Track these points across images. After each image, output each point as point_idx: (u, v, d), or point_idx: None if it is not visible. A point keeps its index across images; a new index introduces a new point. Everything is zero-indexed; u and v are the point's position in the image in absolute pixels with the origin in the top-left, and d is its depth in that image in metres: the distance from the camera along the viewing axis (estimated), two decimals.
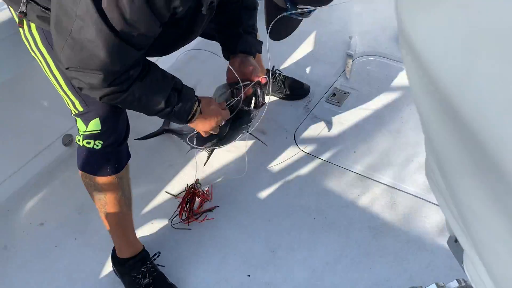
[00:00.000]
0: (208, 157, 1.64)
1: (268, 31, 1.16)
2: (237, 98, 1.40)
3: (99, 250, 1.61)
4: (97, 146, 1.22)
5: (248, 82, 1.43)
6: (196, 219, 1.65)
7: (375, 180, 1.71)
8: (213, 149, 1.62)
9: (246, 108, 1.43)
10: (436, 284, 0.87)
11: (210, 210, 1.67)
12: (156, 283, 1.44)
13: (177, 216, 1.65)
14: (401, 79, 2.10)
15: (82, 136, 1.23)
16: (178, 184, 1.76)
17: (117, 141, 1.24)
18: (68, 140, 1.93)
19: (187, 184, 1.69)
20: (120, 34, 0.94)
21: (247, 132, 1.56)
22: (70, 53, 0.97)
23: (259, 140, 1.73)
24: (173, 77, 1.15)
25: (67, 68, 1.00)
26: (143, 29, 0.95)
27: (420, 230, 1.55)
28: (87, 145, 1.23)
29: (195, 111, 1.21)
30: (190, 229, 1.63)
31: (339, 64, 2.21)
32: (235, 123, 1.49)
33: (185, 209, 1.65)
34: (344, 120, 1.95)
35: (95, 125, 1.19)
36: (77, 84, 1.04)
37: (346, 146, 1.85)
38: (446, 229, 0.84)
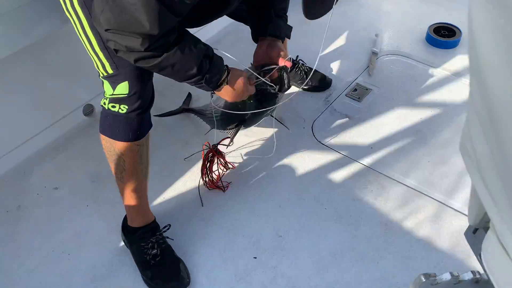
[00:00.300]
0: (232, 139, 1.64)
1: (304, 8, 1.16)
2: (263, 79, 1.41)
3: (110, 219, 1.62)
4: (122, 110, 1.23)
5: (274, 66, 1.44)
6: (216, 186, 1.66)
7: (390, 177, 1.71)
8: (237, 131, 1.62)
9: (272, 90, 1.44)
10: (451, 273, 0.86)
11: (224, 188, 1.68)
12: (164, 255, 1.45)
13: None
14: (424, 80, 2.09)
15: (108, 99, 1.24)
16: (194, 161, 1.77)
17: (142, 108, 1.25)
18: (89, 110, 1.95)
19: (208, 144, 1.66)
20: None
21: (271, 115, 1.56)
22: (110, 15, 0.99)
23: (282, 124, 1.73)
24: (205, 44, 1.16)
25: (106, 30, 1.01)
26: None
27: (430, 231, 1.54)
28: (112, 109, 1.24)
29: (223, 80, 1.23)
30: (202, 205, 1.64)
31: (362, 60, 2.20)
32: (259, 106, 1.49)
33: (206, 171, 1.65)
34: (364, 115, 1.95)
35: (123, 88, 1.20)
36: (114, 46, 1.05)
37: (363, 142, 1.84)
38: (468, 218, 0.84)
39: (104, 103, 1.26)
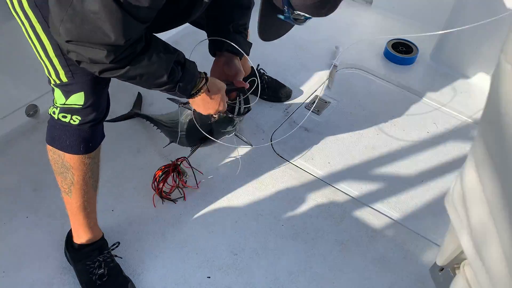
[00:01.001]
0: (191, 153, 1.58)
1: (259, 29, 1.11)
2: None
3: (52, 232, 1.50)
4: (74, 122, 1.13)
5: (232, 86, 1.38)
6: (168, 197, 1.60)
7: (347, 194, 1.70)
8: (197, 147, 1.55)
9: (230, 115, 1.38)
10: None
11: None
12: (111, 275, 1.36)
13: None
14: (381, 96, 2.11)
15: (58, 108, 1.13)
16: (146, 170, 1.68)
17: (96, 120, 1.15)
18: (32, 110, 1.81)
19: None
20: (124, 6, 0.87)
21: (233, 134, 1.51)
22: (70, 25, 0.89)
23: (244, 141, 1.66)
24: (175, 49, 1.08)
25: (67, 41, 0.92)
26: (148, 2, 0.89)
27: (386, 250, 1.55)
28: (63, 119, 1.13)
29: (201, 87, 1.16)
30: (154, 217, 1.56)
31: (322, 72, 2.19)
32: (218, 128, 1.44)
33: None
34: (322, 129, 1.93)
35: (77, 99, 1.10)
36: (76, 58, 0.96)
37: (321, 156, 1.83)
38: (438, 258, 0.83)
39: (54, 112, 1.15)
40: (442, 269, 0.87)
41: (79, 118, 1.12)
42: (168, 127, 1.65)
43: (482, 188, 0.56)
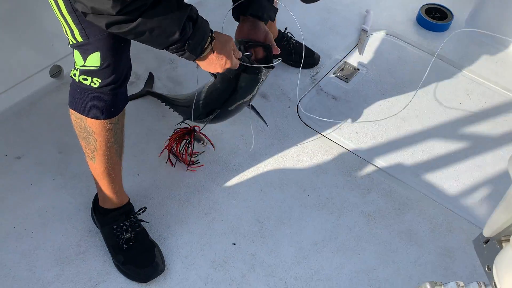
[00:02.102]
0: (206, 123, 1.52)
1: None
2: (248, 54, 1.29)
3: (78, 195, 1.51)
4: (94, 84, 1.09)
5: (260, 42, 1.32)
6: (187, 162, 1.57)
7: (375, 165, 1.66)
8: (212, 117, 1.48)
9: (257, 65, 1.30)
10: (456, 283, 0.83)
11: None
12: (138, 239, 1.37)
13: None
14: (412, 64, 2.03)
15: (78, 70, 1.09)
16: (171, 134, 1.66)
17: (116, 82, 1.11)
18: (56, 71, 1.78)
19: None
20: None
21: (249, 104, 1.45)
22: None
23: (261, 118, 1.58)
24: (188, 4, 1.01)
25: None
26: None
27: (413, 223, 1.53)
28: (84, 82, 1.10)
29: (207, 47, 1.08)
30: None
31: (352, 37, 2.11)
32: (240, 86, 1.36)
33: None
34: (351, 97, 1.87)
35: (94, 60, 1.06)
36: (81, 9, 0.90)
37: (349, 126, 1.78)
38: (485, 229, 0.80)
39: (75, 75, 1.11)
40: (487, 241, 0.84)
41: (99, 80, 1.08)
42: (183, 105, 1.58)
43: None
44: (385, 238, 1.49)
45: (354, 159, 1.68)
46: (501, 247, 0.81)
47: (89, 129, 1.17)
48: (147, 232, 1.40)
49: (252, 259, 1.42)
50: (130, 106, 1.61)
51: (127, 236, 1.35)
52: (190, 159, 1.59)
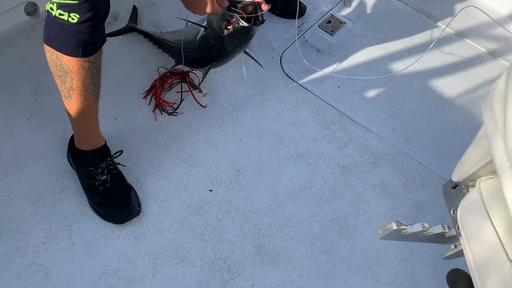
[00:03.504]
0: (203, 78, 1.51)
1: None
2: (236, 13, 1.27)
3: (54, 136, 1.49)
4: (72, 20, 1.05)
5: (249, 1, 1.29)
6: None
7: (354, 120, 1.67)
8: (209, 69, 1.48)
9: (246, 24, 1.29)
10: (422, 224, 0.87)
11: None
12: (114, 182, 1.37)
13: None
14: (399, 20, 2.00)
15: (55, 4, 1.04)
16: (150, 79, 1.63)
17: (95, 18, 1.07)
18: (31, 9, 1.70)
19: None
20: None
21: (244, 51, 1.44)
22: None
23: (255, 60, 1.58)
24: None
25: None
26: None
27: (387, 177, 1.56)
28: (60, 17, 1.05)
29: None
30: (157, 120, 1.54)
31: None
32: (232, 42, 1.36)
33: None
34: (335, 51, 1.85)
35: None
36: None
37: (331, 79, 1.77)
38: (454, 173, 0.82)
39: (51, 8, 1.06)
40: (455, 186, 0.87)
41: (77, 16, 1.04)
42: (173, 47, 1.56)
43: None
44: (359, 190, 1.52)
45: (333, 113, 1.68)
46: (467, 192, 0.84)
47: (65, 67, 1.14)
48: (124, 175, 1.41)
49: (227, 205, 1.45)
50: (108, 48, 1.56)
51: (103, 178, 1.35)
52: (180, 102, 1.58)
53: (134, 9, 1.79)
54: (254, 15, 1.30)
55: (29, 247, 1.31)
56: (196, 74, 1.62)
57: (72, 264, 1.30)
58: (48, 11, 1.07)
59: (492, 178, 0.81)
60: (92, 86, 1.20)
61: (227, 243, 1.38)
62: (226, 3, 1.28)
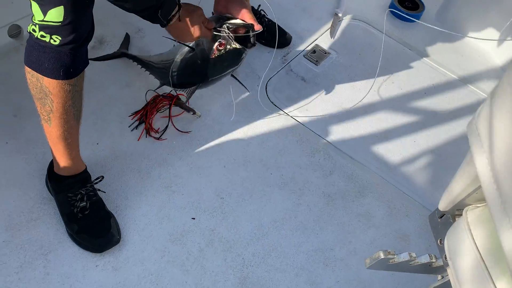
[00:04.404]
0: (189, 98, 1.49)
1: None
2: (227, 32, 1.27)
3: (33, 160, 1.45)
4: (54, 42, 1.03)
5: (241, 21, 1.29)
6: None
7: (338, 149, 1.68)
8: (195, 90, 1.46)
9: (239, 46, 1.29)
10: (409, 254, 0.86)
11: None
12: (93, 209, 1.32)
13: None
14: (383, 51, 2.04)
15: (37, 26, 1.03)
16: (134, 105, 1.61)
17: (77, 41, 1.05)
18: (15, 31, 1.68)
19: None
20: None
21: (232, 75, 1.44)
22: None
23: (242, 85, 1.57)
24: None
25: None
26: None
27: (371, 206, 1.55)
28: (42, 39, 1.03)
29: (174, 15, 1.12)
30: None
31: (324, 20, 2.10)
32: (221, 63, 1.35)
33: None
34: (320, 80, 1.87)
35: (56, 15, 0.99)
36: None
37: (316, 108, 1.78)
38: (440, 202, 0.82)
39: (33, 30, 1.05)
40: (442, 216, 0.86)
41: (59, 38, 1.02)
42: (159, 68, 1.55)
43: None
44: (344, 219, 1.51)
45: (318, 141, 1.69)
46: (454, 221, 0.83)
47: (46, 90, 1.11)
48: (104, 202, 1.36)
49: (211, 234, 1.41)
50: (93, 71, 1.55)
51: (82, 205, 1.31)
52: (167, 126, 1.57)
53: (127, 36, 1.80)
54: (246, 34, 1.30)
55: (1, 277, 1.24)
56: (184, 95, 1.60)
57: None
58: (30, 32, 1.06)
59: (478, 207, 0.81)
60: (73, 109, 1.17)
61: (209, 274, 1.34)
62: (213, 24, 1.28)
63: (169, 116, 1.58)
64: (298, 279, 1.36)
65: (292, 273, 1.37)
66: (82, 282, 1.27)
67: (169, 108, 1.58)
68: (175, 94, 1.59)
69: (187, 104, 1.59)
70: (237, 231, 1.43)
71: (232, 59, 1.34)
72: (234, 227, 1.44)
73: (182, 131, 1.59)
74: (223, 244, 1.40)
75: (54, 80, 1.09)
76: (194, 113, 1.61)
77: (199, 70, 1.42)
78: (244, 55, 1.33)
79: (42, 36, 1.03)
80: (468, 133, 0.68)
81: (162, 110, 1.60)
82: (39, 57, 1.07)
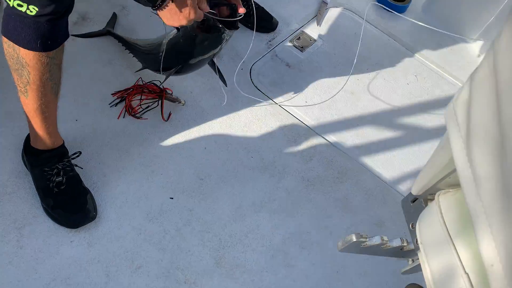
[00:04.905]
0: (165, 79, 1.47)
1: None
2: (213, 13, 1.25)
3: (9, 134, 1.42)
4: (31, 12, 1.01)
5: (226, 2, 1.28)
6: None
7: (319, 135, 1.68)
8: (173, 72, 1.44)
9: (220, 26, 1.27)
10: (381, 237, 0.86)
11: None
12: (70, 184, 1.31)
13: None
14: (368, 41, 2.05)
15: None
16: (115, 83, 1.59)
17: (56, 13, 1.03)
18: None
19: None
20: None
21: (211, 61, 1.42)
22: None
23: (220, 78, 1.55)
24: None
25: None
26: None
27: (349, 192, 1.57)
28: (18, 8, 1.01)
29: None
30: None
31: (311, 8, 2.09)
32: (202, 44, 1.33)
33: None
34: (304, 67, 1.88)
35: None
36: None
37: (298, 94, 1.78)
38: (413, 187, 0.83)
39: None
40: (414, 200, 0.87)
41: (36, 8, 0.99)
42: (144, 52, 1.53)
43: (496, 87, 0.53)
44: (321, 204, 1.52)
45: (300, 127, 1.69)
46: (426, 206, 0.84)
47: (22, 61, 1.09)
48: (81, 178, 1.35)
49: (188, 214, 1.41)
50: (75, 47, 1.54)
51: (58, 180, 1.29)
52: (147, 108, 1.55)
53: (114, 15, 1.77)
54: (230, 17, 1.28)
55: None
56: (170, 90, 1.59)
57: (18, 269, 1.23)
58: (6, 1, 1.03)
59: (450, 191, 0.82)
60: (50, 82, 1.15)
61: (185, 253, 1.34)
62: (207, 8, 1.23)
63: (161, 111, 1.56)
64: (274, 261, 1.38)
65: (268, 255, 1.38)
66: (55, 257, 1.26)
67: (161, 104, 1.55)
68: (159, 84, 1.57)
69: (170, 94, 1.58)
70: (215, 212, 1.43)
71: (214, 39, 1.32)
72: (212, 208, 1.44)
73: (163, 113, 1.57)
74: (201, 224, 1.40)
75: (31, 51, 1.07)
76: (180, 102, 1.60)
77: (181, 52, 1.40)
78: (225, 36, 1.31)
79: (19, 5, 1.00)
80: (445, 116, 0.69)
81: (146, 99, 1.58)
82: (15, 27, 1.04)
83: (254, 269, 1.35)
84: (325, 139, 1.68)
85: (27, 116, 1.24)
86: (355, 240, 0.89)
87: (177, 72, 1.49)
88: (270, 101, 1.73)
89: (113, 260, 1.29)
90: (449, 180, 0.81)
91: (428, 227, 0.80)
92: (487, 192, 0.56)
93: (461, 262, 0.70)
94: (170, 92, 1.59)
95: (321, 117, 1.74)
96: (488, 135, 0.57)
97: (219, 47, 1.36)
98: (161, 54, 1.43)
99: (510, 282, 0.47)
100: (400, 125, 1.79)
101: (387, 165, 1.67)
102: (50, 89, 1.16)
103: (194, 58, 1.41)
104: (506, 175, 0.51)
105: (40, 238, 1.28)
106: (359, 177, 1.61)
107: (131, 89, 1.56)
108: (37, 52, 1.07)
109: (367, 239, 0.89)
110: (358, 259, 1.41)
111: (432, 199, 0.85)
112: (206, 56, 1.41)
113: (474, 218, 0.61)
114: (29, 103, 1.18)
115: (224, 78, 1.57)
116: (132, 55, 1.61)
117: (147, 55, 1.51)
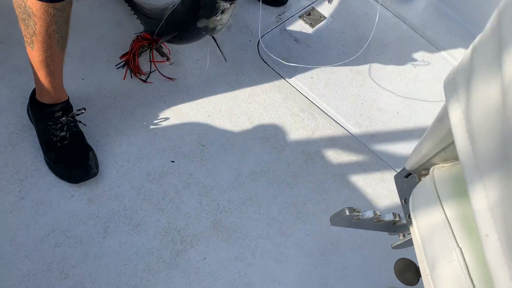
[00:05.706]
0: (161, 42, 1.47)
1: None
2: None
3: (16, 88, 1.43)
4: None
5: None
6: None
7: (323, 111, 1.69)
8: (170, 37, 1.44)
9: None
10: (373, 211, 0.87)
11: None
12: (73, 139, 1.33)
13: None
14: (378, 22, 2.03)
15: None
16: (124, 44, 1.59)
17: None
18: None
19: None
20: None
21: (212, 35, 1.41)
22: None
23: (220, 51, 1.56)
24: None
25: None
26: None
27: (348, 169, 1.58)
28: None
29: None
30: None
31: None
32: (197, 15, 1.31)
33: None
34: (312, 43, 1.87)
35: None
36: None
37: (305, 69, 1.78)
38: (407, 162, 0.83)
39: None
40: (408, 175, 0.87)
41: None
42: (148, 16, 1.53)
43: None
44: (320, 178, 1.53)
45: (304, 101, 1.70)
46: (420, 181, 0.84)
47: (29, 10, 1.09)
48: (84, 135, 1.37)
49: (188, 178, 1.43)
50: (85, 7, 1.53)
51: (61, 134, 1.31)
52: (150, 69, 1.55)
53: None
54: None
55: None
56: (166, 46, 1.59)
57: (19, 219, 1.25)
58: None
59: (445, 166, 0.82)
60: (57, 35, 1.15)
61: (183, 215, 1.36)
62: None
63: (152, 60, 1.56)
64: (269, 228, 1.40)
65: (264, 222, 1.40)
66: (55, 209, 1.28)
67: (151, 51, 1.55)
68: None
69: (161, 48, 1.57)
70: (215, 178, 1.45)
71: (210, 10, 1.29)
72: (212, 174, 1.45)
73: (167, 77, 1.58)
74: (200, 188, 1.42)
75: (38, 1, 1.06)
76: (168, 59, 1.58)
77: (180, 20, 1.39)
78: (220, 6, 1.27)
79: None
80: (444, 87, 0.68)
81: (143, 51, 1.57)
82: None
83: (250, 235, 1.37)
84: (328, 115, 1.69)
85: (33, 69, 1.24)
86: (347, 214, 0.89)
87: (180, 40, 1.49)
88: (276, 74, 1.73)
89: (112, 217, 1.31)
90: (445, 154, 0.80)
91: (422, 202, 0.80)
92: (486, 164, 0.55)
93: (454, 236, 0.71)
94: (163, 47, 1.58)
95: (326, 94, 1.75)
96: (489, 104, 0.57)
97: (214, 18, 1.33)
98: (164, 22, 1.43)
99: (505, 251, 0.46)
100: (404, 106, 1.79)
101: (389, 145, 1.68)
102: (56, 42, 1.17)
103: (191, 26, 1.38)
104: (507, 146, 0.50)
105: (41, 190, 1.30)
106: (360, 155, 1.62)
107: (132, 50, 1.55)
108: (44, 3, 1.07)
109: (360, 213, 0.90)
110: (352, 233, 1.43)
111: (426, 174, 0.84)
112: (201, 26, 1.37)
113: (471, 192, 0.60)
114: (35, 54, 1.18)
115: (222, 52, 1.58)
116: (136, 17, 1.60)
117: (150, 19, 1.51)
